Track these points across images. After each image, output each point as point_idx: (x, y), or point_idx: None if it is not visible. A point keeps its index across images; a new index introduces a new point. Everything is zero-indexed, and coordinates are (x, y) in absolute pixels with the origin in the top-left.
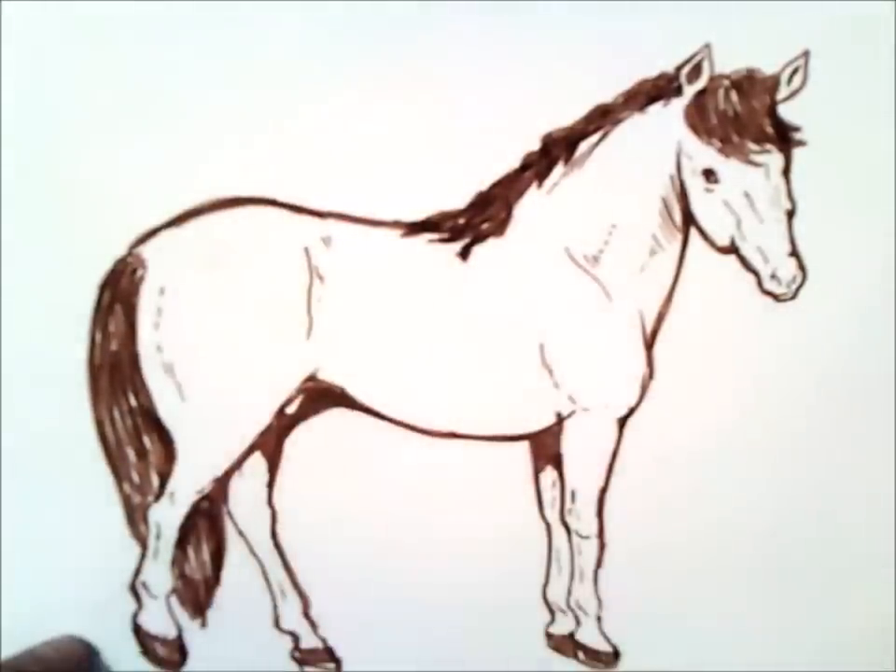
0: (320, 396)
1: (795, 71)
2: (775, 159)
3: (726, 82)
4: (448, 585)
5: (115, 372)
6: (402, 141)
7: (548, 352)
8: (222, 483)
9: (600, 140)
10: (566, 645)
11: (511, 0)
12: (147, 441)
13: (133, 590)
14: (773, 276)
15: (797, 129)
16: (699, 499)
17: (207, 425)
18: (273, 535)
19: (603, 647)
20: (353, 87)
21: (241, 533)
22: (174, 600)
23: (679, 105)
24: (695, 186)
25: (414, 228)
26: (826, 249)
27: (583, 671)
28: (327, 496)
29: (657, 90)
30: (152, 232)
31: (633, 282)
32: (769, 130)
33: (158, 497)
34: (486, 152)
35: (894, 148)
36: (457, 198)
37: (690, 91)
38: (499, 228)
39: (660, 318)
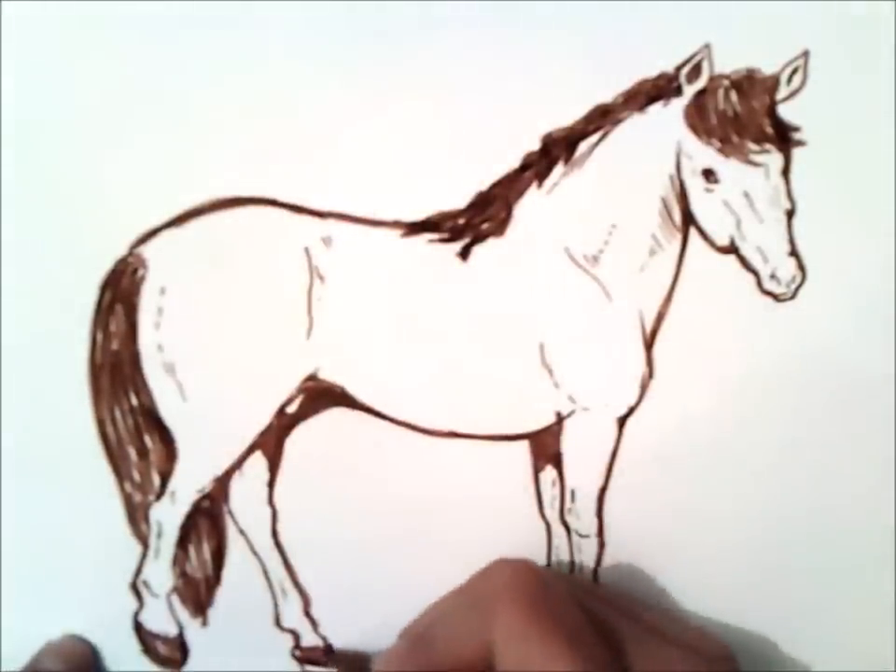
0: (320, 395)
1: (795, 71)
2: (774, 159)
3: (726, 82)
4: (448, 584)
5: (116, 372)
6: (402, 141)
7: (548, 352)
8: (223, 482)
9: (600, 140)
10: None
11: (512, 0)
12: (147, 440)
13: (135, 588)
14: (772, 276)
15: (797, 129)
16: (699, 499)
17: (208, 424)
18: (274, 534)
19: None
20: (353, 87)
21: (241, 532)
22: (175, 599)
23: (678, 104)
24: (695, 186)
25: (414, 228)
26: (826, 249)
27: None
28: (327, 495)
29: (657, 90)
30: (153, 232)
31: (633, 282)
32: (769, 130)
33: (159, 496)
34: (486, 152)
35: (894, 148)
36: (457, 198)
37: (690, 90)
38: (499, 228)
39: (660, 318)
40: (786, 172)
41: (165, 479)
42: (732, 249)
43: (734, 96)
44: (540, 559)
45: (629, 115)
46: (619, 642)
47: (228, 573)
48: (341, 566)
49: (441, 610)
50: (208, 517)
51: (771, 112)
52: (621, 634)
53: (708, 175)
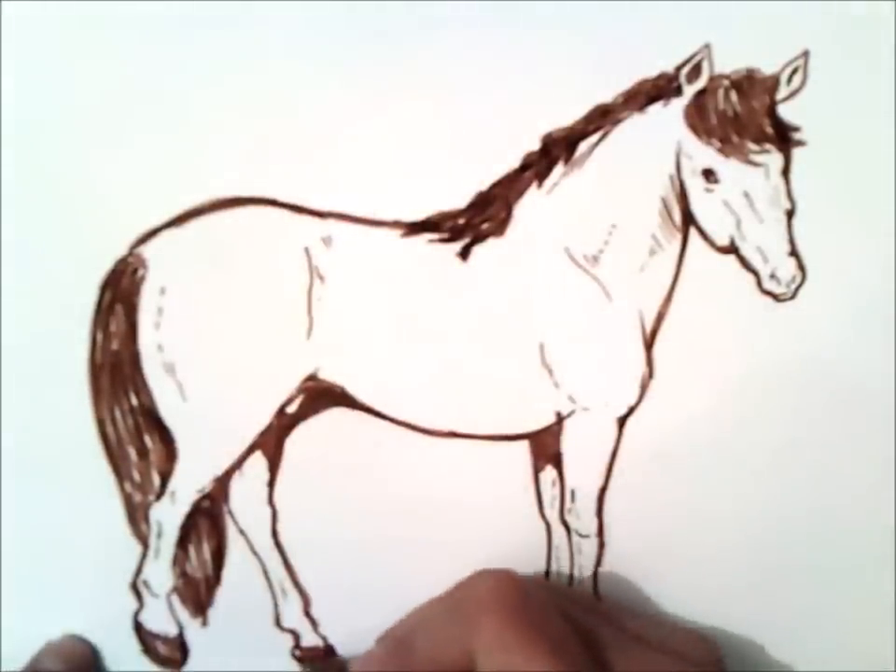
0: (320, 395)
1: (795, 71)
2: (774, 159)
3: (726, 82)
4: (448, 584)
5: (116, 372)
6: (402, 141)
7: (548, 352)
8: (223, 482)
9: (600, 140)
10: None
11: (512, 0)
12: (147, 440)
13: (135, 588)
14: (772, 276)
15: (797, 129)
16: (699, 499)
17: (208, 424)
18: (274, 534)
19: None
20: (353, 87)
21: (241, 532)
22: (175, 599)
23: (678, 104)
24: (695, 186)
25: (414, 228)
26: (826, 249)
27: None
28: (327, 495)
29: (657, 90)
30: (153, 232)
31: (633, 282)
32: (769, 130)
33: (159, 496)
34: (486, 152)
35: (894, 148)
36: (457, 198)
37: (689, 90)
38: (499, 228)
39: (660, 318)
40: (786, 172)
41: (165, 479)
42: (732, 249)
43: (734, 96)
44: (540, 559)
45: (629, 115)
46: (603, 651)
47: (228, 573)
48: (341, 566)
49: (422, 617)
50: (208, 517)
51: (771, 112)
52: (604, 642)
53: (708, 175)
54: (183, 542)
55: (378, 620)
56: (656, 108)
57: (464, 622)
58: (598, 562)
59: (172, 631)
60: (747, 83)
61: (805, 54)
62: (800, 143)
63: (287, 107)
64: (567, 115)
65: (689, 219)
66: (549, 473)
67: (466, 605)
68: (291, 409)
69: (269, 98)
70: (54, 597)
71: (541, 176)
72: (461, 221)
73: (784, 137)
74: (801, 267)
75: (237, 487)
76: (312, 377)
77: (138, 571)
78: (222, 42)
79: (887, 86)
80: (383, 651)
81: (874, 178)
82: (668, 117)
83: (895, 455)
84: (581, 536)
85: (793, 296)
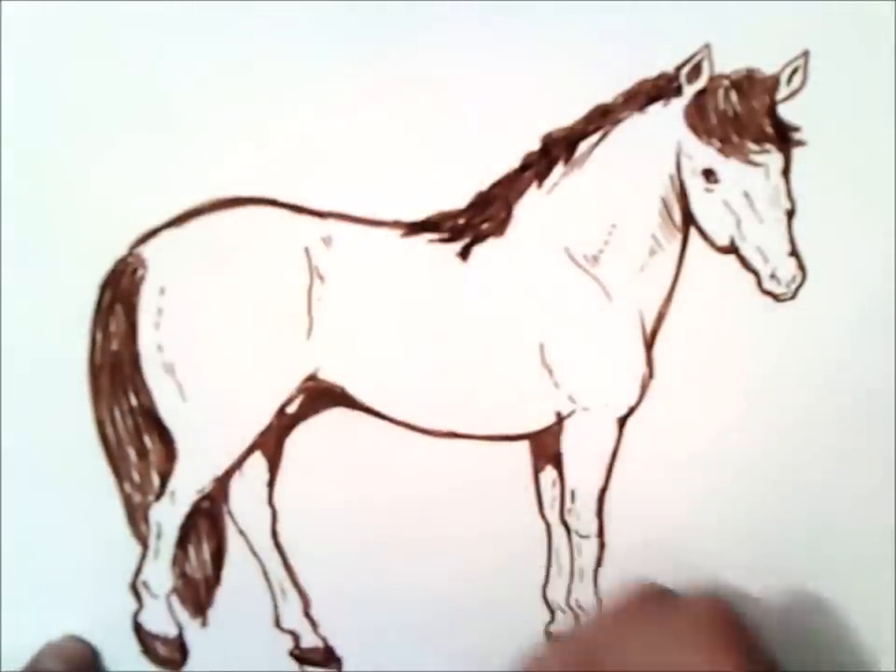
0: (320, 395)
1: (795, 71)
2: (774, 159)
3: (726, 82)
4: (448, 584)
5: (115, 372)
6: (403, 141)
7: (548, 352)
8: (223, 482)
9: (600, 140)
10: None
11: (511, 0)
12: (147, 440)
13: (134, 589)
14: (772, 276)
15: (797, 129)
16: (699, 499)
17: (208, 424)
18: (274, 534)
19: None
20: (353, 87)
21: (241, 532)
22: (174, 599)
23: (678, 104)
24: (695, 186)
25: (414, 228)
26: (826, 249)
27: None
28: (327, 495)
29: (657, 90)
30: (153, 232)
31: (633, 282)
32: (769, 130)
33: (158, 496)
34: (486, 152)
35: (894, 148)
36: (457, 198)
37: (690, 90)
38: (499, 228)
39: (660, 318)
40: (786, 172)
41: (165, 479)
42: (732, 249)
43: (734, 96)
44: (540, 559)
45: (629, 115)
46: None
47: (228, 573)
48: (341, 566)
49: (613, 633)
50: (208, 517)
51: (771, 112)
52: None
53: (708, 175)
54: (183, 543)
55: (378, 620)
56: (656, 108)
57: (676, 647)
58: (598, 562)
59: (171, 631)
60: (747, 83)
61: (805, 54)
62: (800, 143)
63: (286, 107)
64: (567, 115)
65: (689, 219)
66: (549, 473)
67: (677, 628)
68: (291, 409)
69: (269, 98)
70: (54, 597)
71: (541, 176)
72: (461, 221)
73: (784, 137)
74: (801, 267)
75: (237, 487)
76: (312, 377)
77: (138, 572)
78: (222, 42)
79: (887, 86)
80: (566, 654)
81: (874, 178)
82: (668, 117)
83: (895, 456)
84: (581, 536)
85: (794, 296)
